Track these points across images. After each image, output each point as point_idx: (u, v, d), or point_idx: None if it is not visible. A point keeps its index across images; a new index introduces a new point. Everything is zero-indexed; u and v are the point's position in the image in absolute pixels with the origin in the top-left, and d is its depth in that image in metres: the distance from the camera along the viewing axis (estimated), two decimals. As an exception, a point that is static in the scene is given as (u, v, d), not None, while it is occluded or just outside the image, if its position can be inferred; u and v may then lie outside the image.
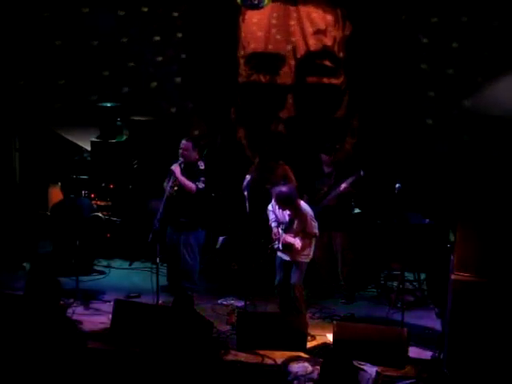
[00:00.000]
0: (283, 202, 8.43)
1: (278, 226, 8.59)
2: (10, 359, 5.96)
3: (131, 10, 11.41)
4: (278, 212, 8.59)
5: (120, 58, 11.47)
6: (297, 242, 8.44)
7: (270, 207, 8.76)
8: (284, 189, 8.45)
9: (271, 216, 8.73)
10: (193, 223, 9.23)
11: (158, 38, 11.47)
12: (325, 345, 8.13)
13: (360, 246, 9.70)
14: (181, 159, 9.06)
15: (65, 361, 5.92)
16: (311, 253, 8.63)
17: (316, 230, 8.53)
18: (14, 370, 5.91)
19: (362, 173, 9.11)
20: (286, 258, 8.61)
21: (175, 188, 9.05)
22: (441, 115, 11.02)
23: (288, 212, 8.50)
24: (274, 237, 8.65)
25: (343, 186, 9.18)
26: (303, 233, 8.48)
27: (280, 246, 8.54)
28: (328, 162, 9.46)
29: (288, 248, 8.52)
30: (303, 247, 8.48)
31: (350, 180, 9.17)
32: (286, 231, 8.53)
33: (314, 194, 9.43)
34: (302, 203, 8.58)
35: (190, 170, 9.13)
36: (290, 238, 8.48)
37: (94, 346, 7.82)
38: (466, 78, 10.84)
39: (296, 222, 8.49)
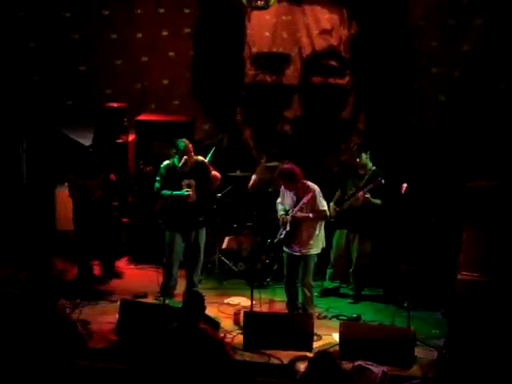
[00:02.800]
0: (287, 178, 8.41)
1: (285, 214, 8.57)
2: (7, 357, 6.01)
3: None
4: (287, 195, 8.59)
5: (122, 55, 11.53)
6: (304, 200, 8.38)
7: (278, 200, 8.75)
8: (287, 165, 8.47)
9: (279, 208, 8.71)
10: (207, 220, 9.36)
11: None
12: (331, 344, 8.13)
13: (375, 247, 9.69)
14: (184, 160, 9.05)
15: (62, 359, 5.95)
16: (321, 245, 8.61)
17: (326, 208, 8.50)
18: (12, 369, 5.96)
19: (382, 180, 9.09)
20: (295, 251, 8.58)
21: (191, 192, 9.07)
22: (446, 116, 11.02)
23: (295, 191, 8.47)
24: (281, 221, 8.59)
25: (360, 193, 9.17)
26: (313, 212, 8.43)
27: (288, 227, 8.49)
28: (360, 165, 9.41)
29: (298, 236, 8.48)
30: (312, 233, 8.46)
31: (368, 188, 9.16)
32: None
33: (345, 193, 9.45)
34: (310, 182, 8.53)
35: (199, 169, 9.17)
36: (296, 209, 8.43)
37: (101, 346, 7.85)
38: (471, 78, 10.83)
39: (304, 199, 8.43)
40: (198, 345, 6.20)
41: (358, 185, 9.36)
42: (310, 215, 8.42)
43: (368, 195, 9.16)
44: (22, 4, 11.45)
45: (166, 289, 9.09)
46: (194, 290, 6.70)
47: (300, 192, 8.47)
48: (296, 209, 8.45)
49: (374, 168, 9.42)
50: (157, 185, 9.14)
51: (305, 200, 8.42)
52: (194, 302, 6.38)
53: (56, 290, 6.15)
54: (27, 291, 6.17)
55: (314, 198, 8.43)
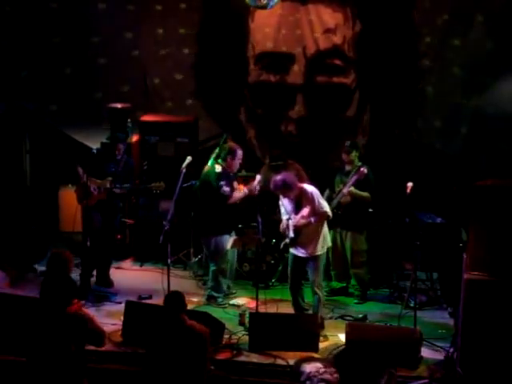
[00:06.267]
0: (282, 190, 8.37)
1: (288, 219, 8.53)
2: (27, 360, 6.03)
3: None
4: (286, 203, 8.56)
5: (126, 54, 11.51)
6: (304, 211, 8.35)
7: (280, 202, 8.72)
8: (278, 177, 8.39)
9: (282, 210, 8.69)
10: None
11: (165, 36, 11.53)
12: (337, 345, 8.10)
13: (372, 246, 9.65)
14: (188, 160, 9.08)
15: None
16: (326, 244, 8.58)
17: (326, 209, 8.44)
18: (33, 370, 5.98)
19: (365, 170, 9.06)
20: (301, 253, 8.55)
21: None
22: (451, 115, 10.99)
23: (293, 197, 8.43)
24: (282, 227, 8.59)
25: (345, 189, 9.14)
26: (314, 216, 8.37)
27: (291, 233, 8.47)
28: (347, 161, 9.42)
29: (302, 238, 8.44)
30: (315, 233, 8.43)
31: (352, 180, 9.12)
32: None
33: (333, 191, 9.41)
34: (306, 185, 8.50)
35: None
36: (297, 217, 8.40)
37: (106, 348, 7.81)
38: (475, 77, 10.80)
39: (303, 204, 8.40)
40: (186, 341, 6.23)
41: (345, 181, 9.34)
42: (312, 220, 8.38)
43: (352, 188, 9.12)
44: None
45: (223, 289, 9.34)
46: (174, 290, 6.78)
47: (298, 197, 8.43)
48: (297, 217, 8.41)
49: (359, 163, 9.39)
50: (226, 188, 9.15)
51: (304, 213, 8.37)
52: (174, 300, 6.39)
53: (71, 290, 6.16)
54: (43, 291, 6.16)
55: (312, 201, 8.38)
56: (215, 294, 9.34)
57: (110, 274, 9.99)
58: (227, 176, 9.20)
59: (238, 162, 9.31)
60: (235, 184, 9.31)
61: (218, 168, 9.19)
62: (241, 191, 9.26)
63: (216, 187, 9.09)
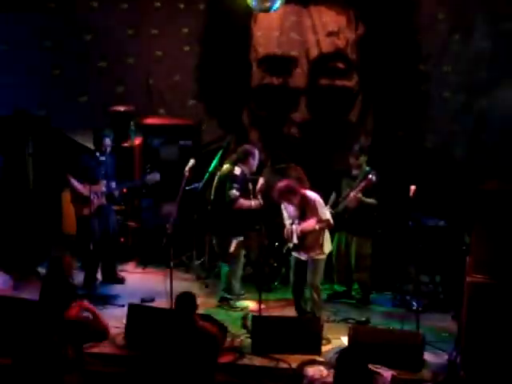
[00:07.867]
0: (285, 195, 8.38)
1: (291, 224, 8.55)
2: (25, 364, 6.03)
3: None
4: (289, 208, 8.57)
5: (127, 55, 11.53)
6: (311, 221, 8.37)
7: (283, 206, 8.72)
8: (280, 184, 8.42)
9: (284, 214, 8.69)
10: None
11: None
12: (340, 348, 8.08)
13: (375, 249, 9.64)
14: (192, 164, 9.09)
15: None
16: (327, 248, 8.59)
17: (329, 217, 8.46)
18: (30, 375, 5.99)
19: (373, 178, 9.03)
20: (302, 256, 8.56)
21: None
22: (454, 118, 10.98)
23: (296, 204, 8.44)
24: (286, 232, 8.60)
25: (352, 194, 9.13)
26: (317, 223, 8.39)
27: (295, 239, 8.48)
28: (355, 165, 9.40)
29: (303, 242, 8.46)
30: (317, 238, 8.44)
31: (360, 186, 9.11)
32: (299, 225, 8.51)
33: (339, 196, 9.40)
34: (308, 191, 8.51)
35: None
36: (303, 225, 8.42)
37: (109, 351, 7.82)
38: (480, 79, 10.80)
39: (307, 211, 8.42)
40: (197, 343, 6.26)
41: (352, 185, 9.32)
42: (317, 227, 8.39)
43: (360, 195, 9.12)
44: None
45: (236, 291, 9.37)
46: (185, 291, 6.79)
47: (301, 204, 8.43)
48: (303, 225, 8.42)
49: (367, 169, 9.38)
50: (236, 192, 9.15)
51: (308, 216, 8.39)
52: (186, 301, 6.39)
53: (70, 293, 6.17)
54: (42, 295, 6.18)
55: (314, 207, 8.41)
56: (228, 296, 9.34)
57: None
58: (243, 180, 9.20)
59: (256, 163, 9.32)
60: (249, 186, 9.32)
61: (237, 170, 9.18)
62: (251, 200, 9.23)
63: (228, 188, 9.10)
